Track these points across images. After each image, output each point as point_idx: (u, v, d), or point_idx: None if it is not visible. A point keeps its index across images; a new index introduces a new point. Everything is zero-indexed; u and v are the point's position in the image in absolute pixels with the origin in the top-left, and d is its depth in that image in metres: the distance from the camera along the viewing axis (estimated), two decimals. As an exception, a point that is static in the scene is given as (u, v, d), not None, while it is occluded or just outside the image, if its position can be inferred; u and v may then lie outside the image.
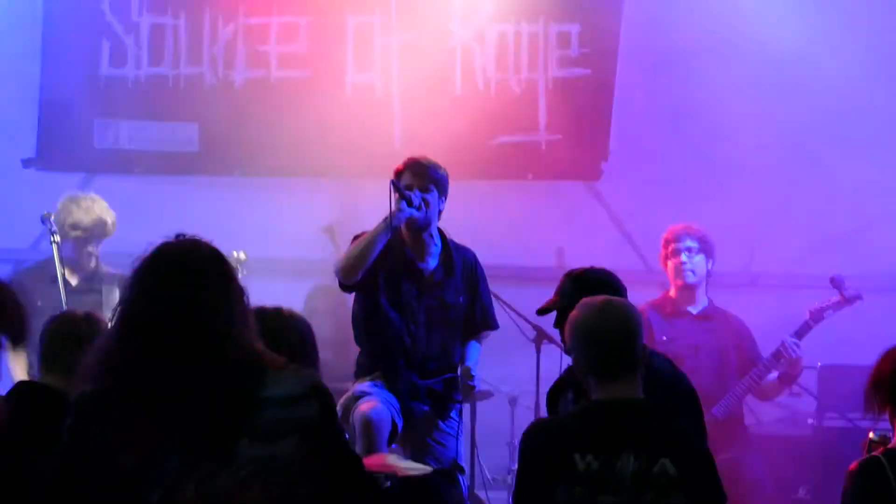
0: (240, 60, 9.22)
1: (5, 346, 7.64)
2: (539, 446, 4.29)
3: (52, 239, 7.54)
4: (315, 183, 9.28)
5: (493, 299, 7.36)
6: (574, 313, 4.46)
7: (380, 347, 6.88)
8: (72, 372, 4.78)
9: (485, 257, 7.84)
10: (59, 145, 9.41)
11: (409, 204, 6.73)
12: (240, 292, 3.81)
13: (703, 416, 5.22)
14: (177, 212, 8.99)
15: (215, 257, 3.83)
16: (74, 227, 7.94)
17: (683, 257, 7.96)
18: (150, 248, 3.79)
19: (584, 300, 4.48)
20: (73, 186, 9.22)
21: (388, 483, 4.53)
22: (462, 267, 7.01)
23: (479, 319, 7.10)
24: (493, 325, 7.22)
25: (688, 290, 8.03)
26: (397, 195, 6.77)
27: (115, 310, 3.81)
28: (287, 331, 4.36)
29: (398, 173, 6.91)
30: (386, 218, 6.73)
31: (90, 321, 4.94)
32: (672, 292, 8.08)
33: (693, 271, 7.99)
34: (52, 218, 7.69)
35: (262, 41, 9.21)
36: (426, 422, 6.97)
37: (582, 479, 4.14)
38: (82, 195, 8.23)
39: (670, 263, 8.03)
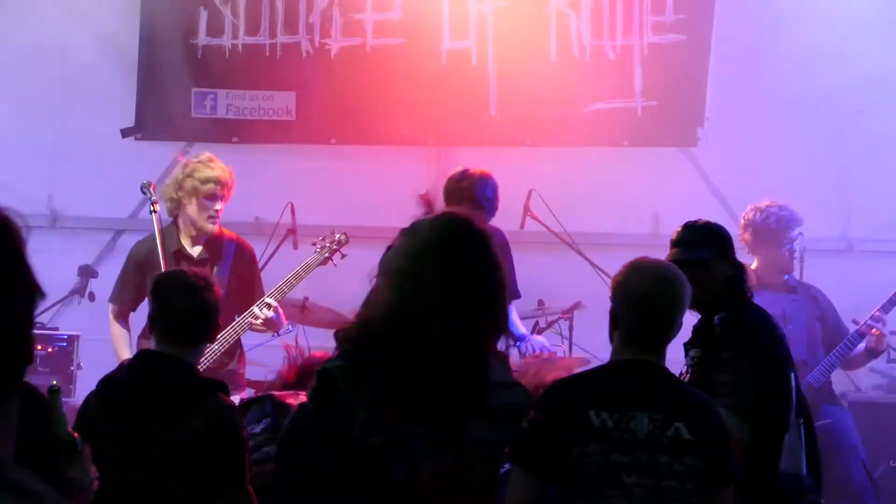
0: (335, 29, 9.24)
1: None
2: (555, 402, 4.17)
3: (151, 208, 7.40)
4: (410, 150, 9.31)
5: (589, 265, 7.27)
6: (625, 271, 4.34)
7: None
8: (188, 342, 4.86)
9: (580, 224, 7.83)
10: (157, 115, 9.50)
11: None
12: None
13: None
14: (274, 180, 9.07)
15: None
16: (206, 181, 7.22)
17: (796, 246, 7.69)
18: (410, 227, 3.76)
19: (640, 262, 4.42)
20: (170, 155, 9.32)
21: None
22: None
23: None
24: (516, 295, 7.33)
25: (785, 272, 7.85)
26: None
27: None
28: None
29: None
30: None
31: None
32: (756, 265, 7.70)
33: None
34: (153, 187, 7.46)
35: (357, 9, 9.23)
36: None
37: (597, 436, 4.06)
38: (204, 156, 7.47)
39: (780, 251, 7.70)
